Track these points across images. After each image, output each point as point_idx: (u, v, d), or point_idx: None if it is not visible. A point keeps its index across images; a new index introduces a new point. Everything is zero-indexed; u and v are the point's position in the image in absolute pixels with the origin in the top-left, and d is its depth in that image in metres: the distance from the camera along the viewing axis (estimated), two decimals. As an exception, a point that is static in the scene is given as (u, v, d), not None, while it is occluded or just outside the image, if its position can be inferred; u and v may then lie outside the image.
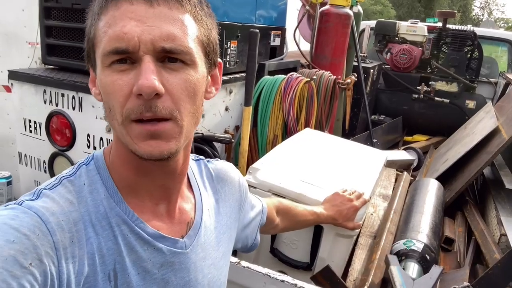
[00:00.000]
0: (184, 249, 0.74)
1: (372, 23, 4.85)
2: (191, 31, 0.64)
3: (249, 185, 1.71)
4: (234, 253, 1.79)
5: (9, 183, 1.91)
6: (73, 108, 1.74)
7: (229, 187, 0.93)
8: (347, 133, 3.50)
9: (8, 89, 3.40)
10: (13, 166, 3.48)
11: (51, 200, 0.63)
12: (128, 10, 0.60)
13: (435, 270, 1.73)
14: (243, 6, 2.30)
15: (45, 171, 1.92)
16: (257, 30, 1.90)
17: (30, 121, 1.90)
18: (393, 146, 4.01)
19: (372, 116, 4.13)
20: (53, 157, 1.86)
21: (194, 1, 0.66)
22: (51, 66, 2.05)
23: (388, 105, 4.38)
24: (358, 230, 1.66)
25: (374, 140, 3.32)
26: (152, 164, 0.68)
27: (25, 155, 1.99)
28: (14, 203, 0.62)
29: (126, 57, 0.61)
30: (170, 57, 0.62)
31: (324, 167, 1.86)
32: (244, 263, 1.48)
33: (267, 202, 1.21)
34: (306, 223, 1.44)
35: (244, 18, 2.34)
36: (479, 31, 4.31)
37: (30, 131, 1.91)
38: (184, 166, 0.75)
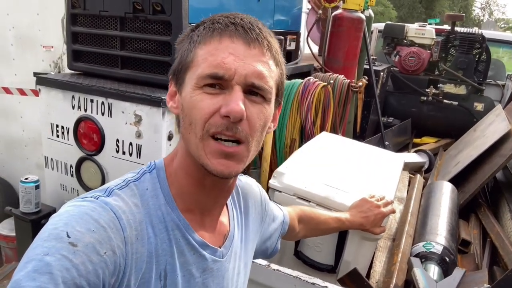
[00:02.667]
0: (221, 258, 0.82)
1: (380, 25, 4.89)
2: (273, 73, 0.74)
3: (274, 189, 1.76)
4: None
5: (37, 187, 1.94)
6: (102, 114, 1.78)
7: (252, 202, 0.99)
8: (358, 136, 3.54)
9: (22, 92, 3.45)
10: (26, 168, 3.52)
11: (121, 200, 0.70)
12: (230, 47, 0.70)
13: (458, 273, 1.77)
14: (264, 12, 2.34)
15: (71, 175, 1.95)
16: (282, 37, 1.93)
17: (57, 126, 1.93)
18: (403, 148, 4.05)
19: (382, 118, 4.17)
20: (80, 162, 1.90)
21: (277, 49, 0.77)
22: (76, 72, 2.07)
23: (397, 107, 4.41)
24: (383, 234, 1.69)
25: (386, 143, 3.35)
26: (214, 180, 0.76)
27: (52, 159, 2.02)
28: (91, 197, 0.68)
29: (218, 83, 0.70)
30: (253, 91, 0.71)
31: (346, 171, 1.89)
32: (273, 266, 1.51)
33: (289, 211, 1.26)
34: (328, 231, 1.46)
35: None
36: (487, 33, 4.35)
37: (57, 136, 1.94)
38: (233, 185, 0.84)
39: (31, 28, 3.22)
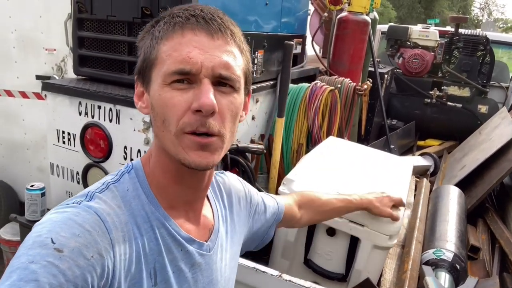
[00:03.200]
0: (208, 252, 0.83)
1: (383, 27, 4.87)
2: (239, 62, 0.75)
3: (285, 196, 1.74)
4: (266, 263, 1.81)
5: (43, 194, 1.91)
6: (110, 120, 1.75)
7: (236, 196, 1.00)
8: (363, 139, 3.52)
9: (24, 95, 3.42)
10: (28, 171, 3.50)
11: (104, 202, 0.69)
12: (193, 40, 0.70)
13: (471, 281, 1.75)
14: (270, 16, 2.32)
15: (78, 182, 1.92)
16: (292, 43, 1.91)
17: (63, 132, 1.91)
18: (407, 151, 4.03)
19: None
20: (87, 168, 1.87)
21: (241, 38, 0.77)
22: (82, 77, 2.04)
23: (400, 110, 4.40)
24: (395, 241, 1.67)
25: (392, 146, 3.33)
26: (191, 173, 0.77)
27: (57, 166, 1.99)
28: (73, 203, 0.68)
29: (186, 78, 0.69)
30: (222, 82, 0.71)
31: (356, 177, 1.87)
32: (285, 276, 1.49)
33: (287, 198, 1.25)
34: (335, 212, 1.41)
35: (270, 28, 2.35)
36: (491, 35, 4.33)
37: (63, 142, 1.91)
38: (210, 177, 0.85)
39: (33, 31, 3.19)
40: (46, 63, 3.25)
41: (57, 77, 3.17)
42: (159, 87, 0.71)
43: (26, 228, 1.88)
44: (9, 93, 3.41)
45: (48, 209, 1.97)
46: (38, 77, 3.23)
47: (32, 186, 1.91)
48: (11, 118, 3.43)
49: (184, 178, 0.78)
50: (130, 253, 0.69)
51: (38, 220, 1.73)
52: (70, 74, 2.94)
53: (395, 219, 1.53)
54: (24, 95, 3.40)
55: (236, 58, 0.73)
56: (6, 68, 3.32)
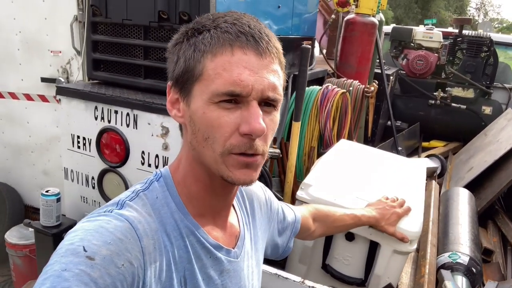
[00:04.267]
0: (236, 258, 0.84)
1: (386, 28, 4.87)
2: (281, 80, 0.75)
3: (303, 201, 1.73)
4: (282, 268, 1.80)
5: (58, 199, 1.89)
6: (127, 125, 1.73)
7: (257, 202, 1.00)
8: (369, 140, 3.52)
9: (29, 97, 3.39)
10: (33, 174, 3.46)
11: (135, 210, 0.70)
12: (243, 59, 0.69)
13: (490, 285, 1.75)
14: (282, 18, 2.31)
15: (93, 187, 1.90)
16: (309, 46, 1.90)
17: (78, 137, 1.88)
18: (412, 152, 4.04)
19: (389, 122, 4.15)
20: (103, 174, 1.85)
21: (281, 51, 0.76)
22: (95, 81, 2.02)
23: (405, 111, 4.40)
24: (415, 247, 1.66)
25: (399, 148, 3.34)
26: (224, 185, 0.77)
27: (72, 171, 1.97)
28: (104, 211, 0.69)
29: (234, 98, 0.69)
30: (267, 103, 0.72)
31: (372, 181, 1.86)
32: (308, 283, 1.49)
33: (302, 210, 1.27)
34: (345, 228, 1.46)
35: (282, 30, 2.34)
36: (494, 36, 4.35)
37: (78, 147, 1.89)
38: (238, 186, 0.85)
39: (38, 33, 3.15)
40: (51, 65, 3.22)
41: (62, 80, 3.14)
42: (204, 104, 0.70)
43: (41, 234, 1.85)
44: (13, 95, 3.37)
45: (64, 215, 1.96)
46: (43, 80, 3.21)
47: (47, 191, 1.88)
48: (16, 120, 3.40)
49: (215, 188, 0.78)
50: (160, 261, 0.69)
51: (54, 226, 1.73)
52: (75, 76, 2.92)
53: (402, 239, 1.54)
54: (28, 97, 3.37)
55: (280, 77, 0.74)
56: (11, 70, 3.29)
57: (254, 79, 0.68)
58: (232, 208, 0.89)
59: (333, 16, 3.28)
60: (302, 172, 2.39)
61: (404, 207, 1.57)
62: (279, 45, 0.75)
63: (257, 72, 0.69)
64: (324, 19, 4.31)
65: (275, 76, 0.72)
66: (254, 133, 0.68)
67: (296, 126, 2.01)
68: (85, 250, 0.60)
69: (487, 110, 4.16)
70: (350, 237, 1.73)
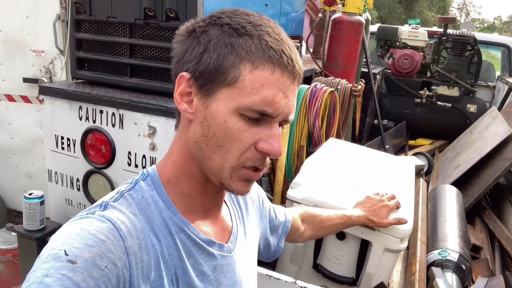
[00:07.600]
0: (229, 253, 0.84)
1: (373, 27, 4.89)
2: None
3: (293, 200, 1.72)
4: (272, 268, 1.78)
5: (42, 202, 1.83)
6: (113, 125, 1.69)
7: (249, 198, 1.01)
8: (357, 139, 3.53)
9: (10, 98, 3.30)
10: (15, 177, 3.38)
11: (118, 211, 0.69)
12: (279, 81, 0.70)
13: (481, 282, 1.76)
14: (270, 17, 2.28)
15: (78, 189, 1.85)
16: (298, 44, 1.88)
17: (62, 138, 1.83)
18: (399, 150, 4.06)
19: (375, 121, 4.17)
20: (88, 175, 1.80)
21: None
22: (80, 80, 1.97)
23: (391, 110, 4.43)
24: (406, 245, 1.66)
25: (387, 146, 3.35)
26: (220, 189, 0.80)
27: (56, 173, 1.92)
28: (87, 213, 0.68)
29: (260, 117, 0.70)
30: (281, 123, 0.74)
31: (363, 180, 1.86)
32: (300, 283, 1.47)
33: (291, 211, 1.28)
34: (335, 228, 1.45)
35: (269, 29, 2.32)
36: (478, 36, 4.40)
37: (63, 148, 1.84)
38: None
39: (20, 32, 3.08)
40: (34, 65, 3.15)
41: (45, 80, 3.07)
42: (228, 111, 0.69)
43: (24, 238, 1.80)
44: (-6, 96, 3.29)
45: (48, 218, 1.90)
46: (25, 80, 3.13)
47: (30, 194, 1.82)
48: (-3, 122, 3.31)
49: (209, 188, 0.79)
50: (147, 261, 0.68)
51: (37, 230, 1.67)
52: (59, 76, 2.86)
53: (399, 223, 1.53)
54: (10, 98, 3.29)
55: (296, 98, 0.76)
56: (-9, 70, 3.20)
57: (284, 102, 0.70)
58: (224, 203, 0.89)
59: (320, 15, 3.27)
60: (291, 171, 2.38)
61: (394, 200, 1.57)
62: (301, 63, 0.76)
63: (287, 96, 0.70)
64: (311, 18, 4.31)
65: (295, 98, 0.74)
66: (273, 155, 0.71)
67: (286, 125, 1.99)
68: (66, 254, 0.59)
69: (472, 108, 4.21)
70: (341, 236, 1.72)
